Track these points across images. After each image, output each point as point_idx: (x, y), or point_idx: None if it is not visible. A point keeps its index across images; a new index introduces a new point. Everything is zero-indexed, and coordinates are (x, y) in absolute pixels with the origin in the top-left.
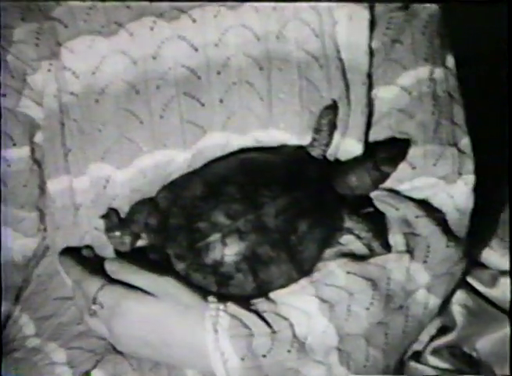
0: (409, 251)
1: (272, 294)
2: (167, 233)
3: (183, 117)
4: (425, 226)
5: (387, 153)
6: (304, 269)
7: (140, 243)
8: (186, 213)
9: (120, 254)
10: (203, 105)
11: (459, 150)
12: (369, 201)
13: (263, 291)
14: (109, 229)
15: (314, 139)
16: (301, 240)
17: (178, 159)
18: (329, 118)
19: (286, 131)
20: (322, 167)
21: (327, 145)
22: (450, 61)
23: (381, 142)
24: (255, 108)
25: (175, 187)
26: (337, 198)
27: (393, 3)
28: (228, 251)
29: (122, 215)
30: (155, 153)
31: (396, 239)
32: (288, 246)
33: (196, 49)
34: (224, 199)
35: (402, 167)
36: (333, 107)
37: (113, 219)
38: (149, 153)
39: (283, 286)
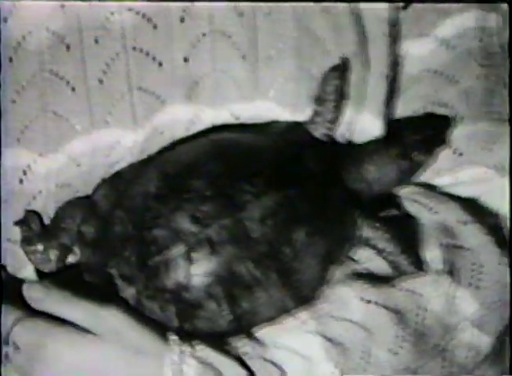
0: (450, 270)
1: (257, 332)
2: (109, 246)
3: (132, 83)
4: (473, 236)
5: (419, 133)
6: (302, 295)
7: (72, 259)
8: (136, 217)
9: (44, 276)
10: (160, 65)
11: None
12: (393, 201)
13: (245, 327)
14: (27, 241)
15: (316, 113)
16: (298, 254)
17: (124, 142)
18: (336, 83)
19: (277, 102)
20: (327, 152)
21: (334, 121)
22: (503, 7)
23: (411, 119)
24: (234, 70)
25: (121, 181)
26: (347, 196)
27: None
28: (196, 270)
29: (46, 221)
30: (92, 134)
31: (432, 253)
32: (279, 262)
33: None
34: (189, 197)
35: (441, 154)
36: (342, 68)
37: (32, 227)
38: (84, 134)
39: (272, 319)
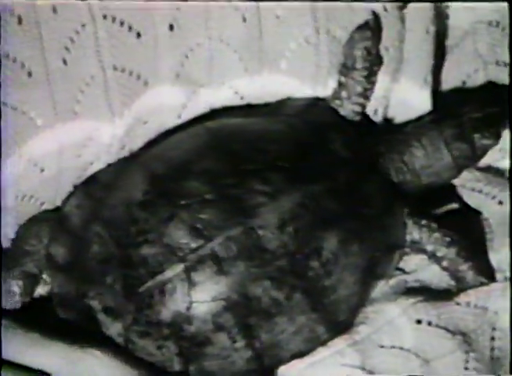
0: None
1: (283, 369)
2: (86, 271)
3: (104, 61)
4: None
5: (481, 109)
6: (338, 319)
7: (41, 290)
8: (119, 233)
9: (6, 313)
10: (138, 36)
11: None
12: (451, 193)
13: (268, 366)
14: None
15: (341, 86)
16: (329, 268)
17: (99, 137)
18: (366, 46)
19: (291, 73)
20: (358, 135)
21: (366, 94)
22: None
23: (468, 90)
24: (233, 36)
25: (97, 187)
26: (390, 190)
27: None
28: (199, 295)
29: (4, 244)
30: (57, 129)
31: (503, 256)
32: (305, 280)
33: None
34: (185, 203)
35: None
36: (371, 26)
37: None
38: (46, 130)
39: (302, 353)
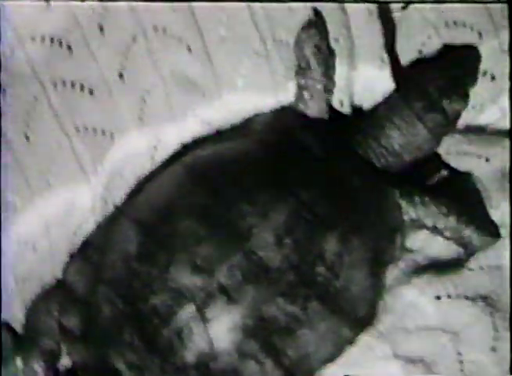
0: None
1: None
2: (103, 334)
3: (65, 124)
4: None
5: (444, 74)
6: (359, 316)
7: (65, 363)
8: (124, 290)
9: None
10: (91, 93)
11: None
12: (437, 162)
13: None
14: (4, 363)
15: (301, 88)
16: (336, 268)
17: (81, 201)
18: (315, 43)
19: (250, 89)
20: (332, 131)
21: (327, 90)
22: None
23: (428, 60)
24: (185, 68)
25: (92, 250)
26: (376, 177)
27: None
28: (216, 330)
29: (18, 329)
30: (37, 204)
31: (503, 210)
32: (317, 287)
33: None
34: (181, 244)
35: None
36: (315, 22)
37: (7, 342)
38: (25, 208)
39: (332, 358)
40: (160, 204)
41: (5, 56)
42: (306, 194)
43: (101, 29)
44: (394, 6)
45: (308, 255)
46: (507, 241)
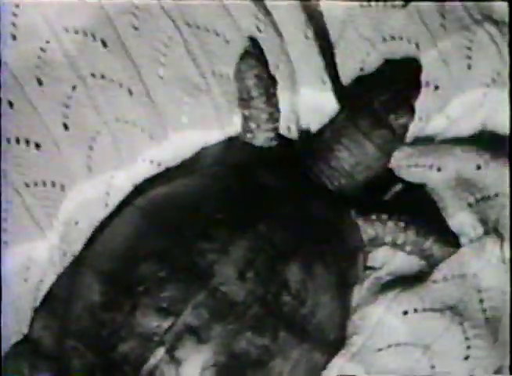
0: (487, 230)
1: None
2: None
3: (14, 182)
4: (496, 176)
5: (387, 90)
6: (329, 340)
7: None
8: (92, 340)
9: None
10: (37, 146)
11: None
12: (390, 177)
13: None
14: None
15: (247, 118)
16: (302, 296)
17: (37, 255)
18: (254, 73)
19: (195, 125)
20: (282, 159)
21: (273, 118)
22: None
23: (369, 76)
24: (128, 112)
25: (56, 304)
26: (330, 201)
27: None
28: (189, 372)
29: None
30: None
31: (461, 219)
32: (284, 316)
33: None
34: (143, 289)
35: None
36: (253, 52)
37: None
38: None
39: None
40: (119, 251)
41: None
42: (263, 227)
43: (39, 82)
44: (331, 28)
45: (271, 286)
46: (467, 250)
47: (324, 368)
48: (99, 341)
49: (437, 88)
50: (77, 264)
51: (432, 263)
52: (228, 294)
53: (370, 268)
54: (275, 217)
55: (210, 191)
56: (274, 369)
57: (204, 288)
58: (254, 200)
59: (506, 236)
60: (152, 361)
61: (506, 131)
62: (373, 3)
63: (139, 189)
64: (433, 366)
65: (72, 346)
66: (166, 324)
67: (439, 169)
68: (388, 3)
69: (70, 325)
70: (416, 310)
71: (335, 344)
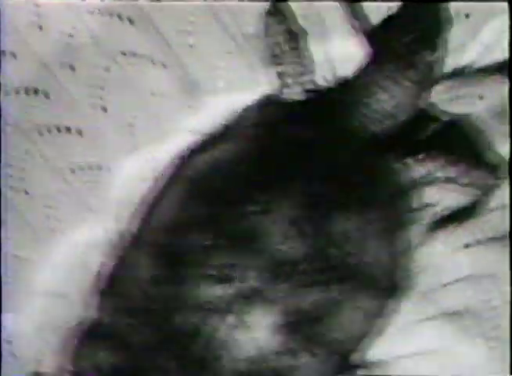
0: None
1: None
2: (135, 364)
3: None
4: None
5: (410, 30)
6: (383, 286)
7: None
8: (145, 316)
9: None
10: (80, 133)
11: None
12: (435, 111)
13: None
14: None
15: (281, 74)
16: (348, 246)
17: (95, 240)
18: (283, 27)
19: (230, 89)
20: (321, 109)
21: (307, 70)
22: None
23: (392, 17)
24: (164, 83)
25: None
26: (374, 146)
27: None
28: (262, 333)
29: None
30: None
31: (505, 148)
32: (340, 267)
33: None
34: (191, 259)
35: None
36: (277, 7)
37: None
38: None
39: (369, 332)
40: (166, 223)
41: None
42: (300, 182)
43: (72, 68)
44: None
45: (316, 241)
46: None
47: (381, 314)
48: (152, 315)
49: (467, 16)
50: (132, 242)
51: (486, 192)
52: (276, 254)
53: (427, 205)
54: (312, 171)
55: (249, 154)
56: (342, 317)
57: (251, 251)
58: (291, 156)
59: None
60: (222, 328)
61: None
62: None
63: (184, 159)
64: (503, 293)
65: (127, 323)
66: (217, 292)
67: (481, 97)
68: None
69: (123, 303)
70: (478, 241)
71: (388, 289)
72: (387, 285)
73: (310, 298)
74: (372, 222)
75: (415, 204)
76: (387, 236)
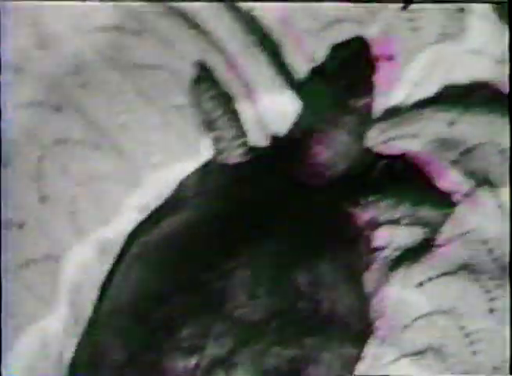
0: (478, 182)
1: None
2: None
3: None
4: (474, 131)
5: (341, 75)
6: (355, 331)
7: None
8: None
9: None
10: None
11: None
12: (371, 155)
13: None
14: None
15: (216, 140)
16: (316, 298)
17: (52, 331)
18: (211, 94)
19: (165, 163)
20: (262, 168)
21: (241, 133)
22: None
23: (321, 66)
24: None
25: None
26: (318, 197)
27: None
28: None
29: None
30: None
31: (449, 178)
32: (304, 321)
33: None
34: (159, 336)
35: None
36: (204, 75)
37: None
38: None
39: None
40: (127, 303)
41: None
42: (260, 241)
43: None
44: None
45: (284, 296)
46: (462, 206)
47: (359, 359)
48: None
49: (390, 58)
50: (92, 327)
51: (433, 229)
52: (245, 316)
53: (376, 249)
54: (271, 229)
55: (199, 223)
56: (321, 370)
57: (220, 317)
58: (246, 218)
59: (498, 181)
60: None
61: (467, 82)
62: None
63: (132, 238)
64: (462, 328)
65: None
66: (192, 362)
67: (415, 136)
68: None
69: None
70: (430, 279)
71: (362, 333)
72: (361, 328)
73: (286, 355)
74: (338, 268)
75: (369, 247)
76: (354, 279)
